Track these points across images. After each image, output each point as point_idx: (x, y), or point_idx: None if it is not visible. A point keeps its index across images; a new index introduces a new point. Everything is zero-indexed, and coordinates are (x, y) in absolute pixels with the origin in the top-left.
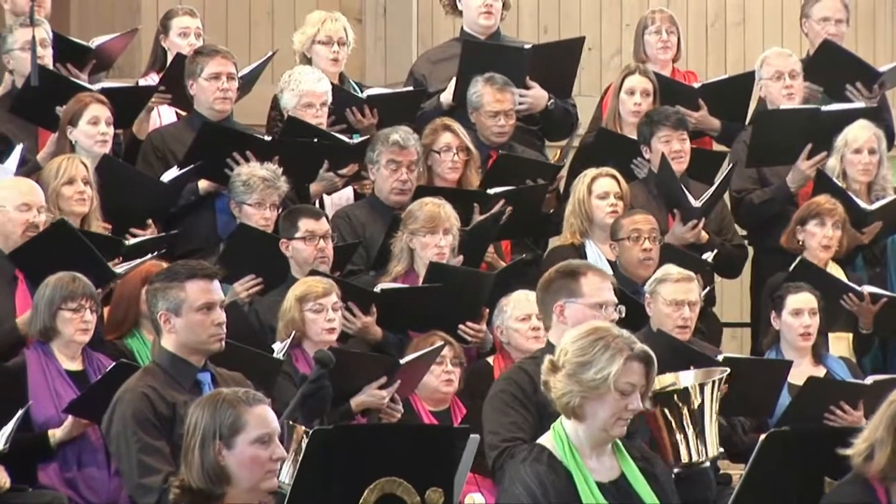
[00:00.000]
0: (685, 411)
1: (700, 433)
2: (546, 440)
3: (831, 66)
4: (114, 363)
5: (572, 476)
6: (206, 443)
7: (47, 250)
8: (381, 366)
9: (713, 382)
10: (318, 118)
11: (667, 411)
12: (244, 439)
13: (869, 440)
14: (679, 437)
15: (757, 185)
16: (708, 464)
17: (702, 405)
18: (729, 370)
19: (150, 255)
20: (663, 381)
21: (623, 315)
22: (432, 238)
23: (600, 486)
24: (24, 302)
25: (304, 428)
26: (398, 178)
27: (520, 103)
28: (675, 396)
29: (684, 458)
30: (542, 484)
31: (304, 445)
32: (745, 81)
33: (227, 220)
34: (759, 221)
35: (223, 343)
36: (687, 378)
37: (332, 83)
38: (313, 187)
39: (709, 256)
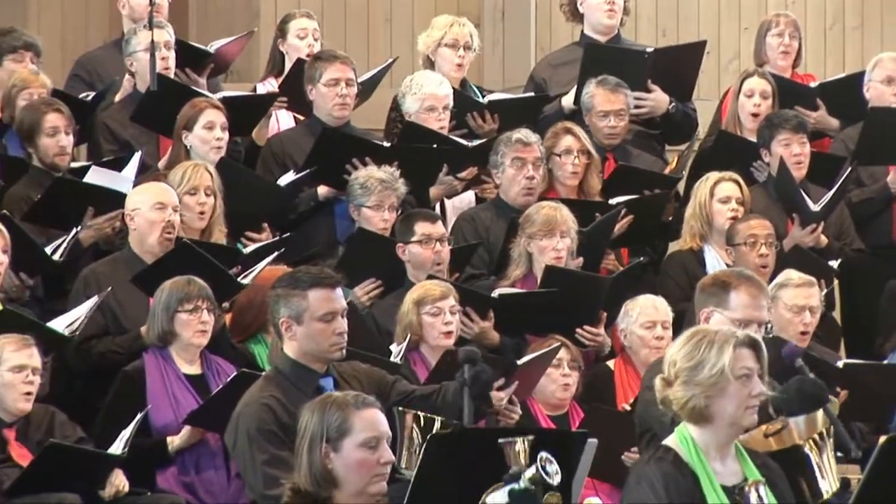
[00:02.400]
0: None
1: (821, 476)
2: (671, 441)
3: None
4: (234, 372)
5: (697, 477)
6: (314, 446)
7: (172, 271)
8: (499, 367)
9: (822, 432)
10: (441, 121)
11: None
12: (351, 442)
13: None
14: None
15: (853, 185)
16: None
17: (818, 450)
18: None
19: (268, 259)
20: (774, 426)
21: (770, 334)
22: (550, 241)
23: (724, 488)
24: None
25: (412, 413)
26: (525, 174)
27: (641, 107)
28: (789, 454)
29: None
30: (666, 483)
31: (415, 432)
32: (860, 80)
33: (346, 226)
34: (857, 221)
35: (344, 352)
36: (798, 425)
37: (453, 87)
38: (433, 191)
39: (835, 264)
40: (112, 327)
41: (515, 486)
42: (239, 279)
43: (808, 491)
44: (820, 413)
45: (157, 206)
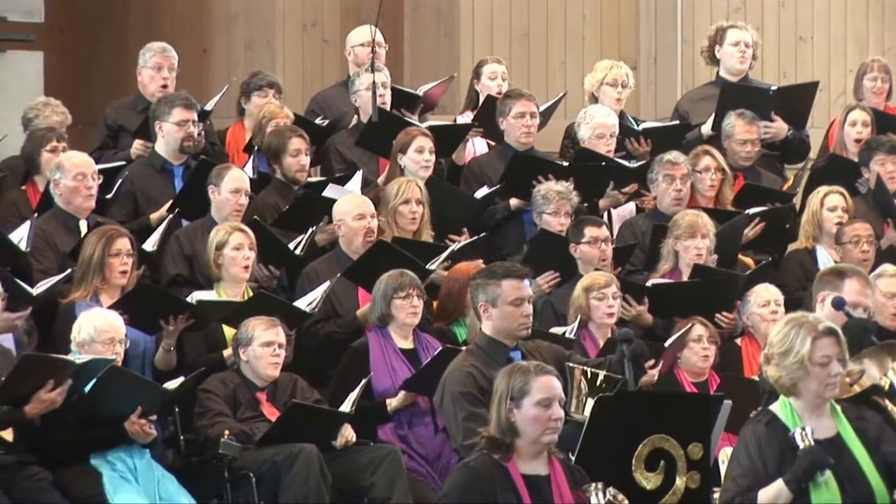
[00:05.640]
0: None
1: None
2: (774, 406)
3: None
4: (440, 347)
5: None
6: (501, 403)
7: (374, 264)
8: (651, 351)
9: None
10: (608, 146)
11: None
12: (529, 401)
13: None
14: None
15: None
16: None
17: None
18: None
19: (445, 254)
20: (853, 375)
21: (872, 316)
22: (692, 241)
23: (817, 442)
24: (363, 298)
25: (580, 369)
26: (674, 188)
27: (765, 133)
28: (872, 393)
29: None
30: (758, 444)
31: (582, 384)
32: None
33: (532, 230)
34: None
35: (529, 330)
36: (870, 368)
37: None
38: (601, 202)
39: None
40: (330, 312)
41: None
42: (427, 267)
43: None
44: (888, 356)
45: (357, 216)
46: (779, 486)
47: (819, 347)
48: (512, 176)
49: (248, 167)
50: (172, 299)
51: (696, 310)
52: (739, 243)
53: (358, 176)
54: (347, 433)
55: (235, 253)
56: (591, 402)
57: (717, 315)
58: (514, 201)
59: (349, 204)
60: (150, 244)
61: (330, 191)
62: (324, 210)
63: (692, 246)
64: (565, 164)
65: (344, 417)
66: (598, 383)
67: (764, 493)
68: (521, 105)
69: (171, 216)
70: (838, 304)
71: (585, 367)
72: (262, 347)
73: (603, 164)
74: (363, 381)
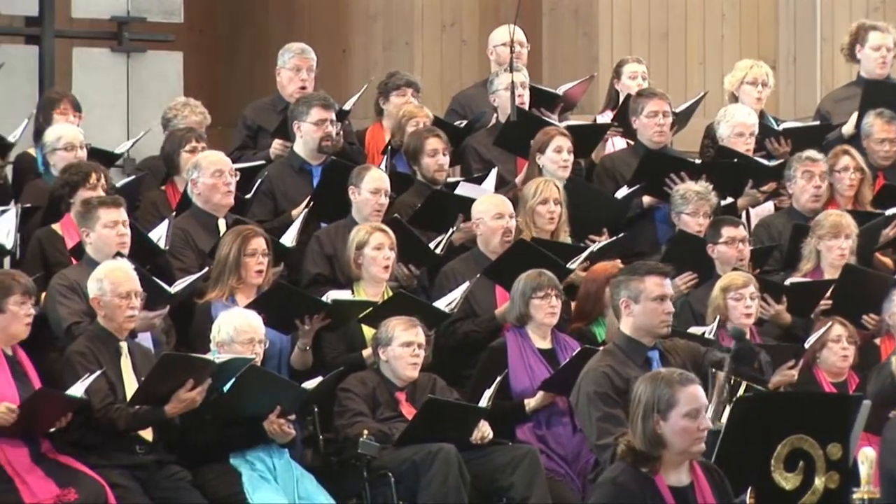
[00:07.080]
0: None
1: None
2: None
3: None
4: (578, 347)
5: None
6: (647, 415)
7: (514, 263)
8: (791, 352)
9: None
10: (748, 145)
11: None
12: (677, 413)
13: None
14: None
15: None
16: None
17: None
18: None
19: (586, 253)
20: None
21: None
22: (836, 241)
23: None
24: (500, 297)
25: (724, 374)
26: (813, 184)
27: None
28: None
29: None
30: None
31: (724, 389)
32: None
33: (664, 230)
34: None
35: (670, 328)
36: None
37: None
38: (739, 201)
39: None
40: (468, 311)
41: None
42: (567, 266)
43: None
44: None
45: (496, 216)
46: None
47: None
48: (643, 174)
49: (382, 167)
50: (308, 299)
51: (841, 310)
52: (877, 244)
53: (493, 175)
54: (484, 428)
55: (376, 253)
56: (728, 410)
57: (864, 317)
58: (646, 199)
59: (488, 203)
60: (288, 239)
61: (462, 189)
62: (457, 208)
63: (835, 246)
64: (697, 161)
65: (480, 413)
66: (740, 391)
67: None
68: (654, 104)
69: (306, 210)
70: None
71: (731, 375)
72: (402, 347)
73: (735, 160)
74: (499, 378)
